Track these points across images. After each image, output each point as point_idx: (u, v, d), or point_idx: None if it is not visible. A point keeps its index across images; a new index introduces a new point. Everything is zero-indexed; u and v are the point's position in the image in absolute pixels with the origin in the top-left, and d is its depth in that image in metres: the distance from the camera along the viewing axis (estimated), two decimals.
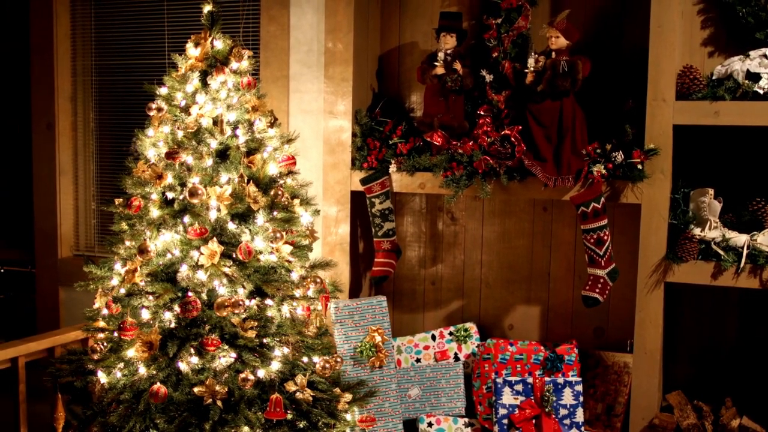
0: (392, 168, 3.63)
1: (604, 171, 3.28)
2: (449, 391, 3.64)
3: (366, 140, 3.73)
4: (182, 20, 4.40)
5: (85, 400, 3.20)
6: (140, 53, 4.54)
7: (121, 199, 3.17)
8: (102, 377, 3.04)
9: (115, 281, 3.12)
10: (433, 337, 3.80)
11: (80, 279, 4.53)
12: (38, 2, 4.54)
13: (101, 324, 3.15)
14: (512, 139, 3.43)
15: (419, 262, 4.08)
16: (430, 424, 3.57)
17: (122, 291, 3.06)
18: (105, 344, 3.10)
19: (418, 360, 3.77)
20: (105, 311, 3.12)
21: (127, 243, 3.15)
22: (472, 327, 3.81)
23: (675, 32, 3.18)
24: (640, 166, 3.22)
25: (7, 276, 6.25)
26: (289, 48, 3.91)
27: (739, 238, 3.20)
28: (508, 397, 3.43)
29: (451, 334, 3.80)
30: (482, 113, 3.58)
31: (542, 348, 3.57)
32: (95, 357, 3.07)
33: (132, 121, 4.60)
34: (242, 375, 2.90)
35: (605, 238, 3.32)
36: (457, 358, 3.77)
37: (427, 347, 3.79)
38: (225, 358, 2.92)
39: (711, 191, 3.30)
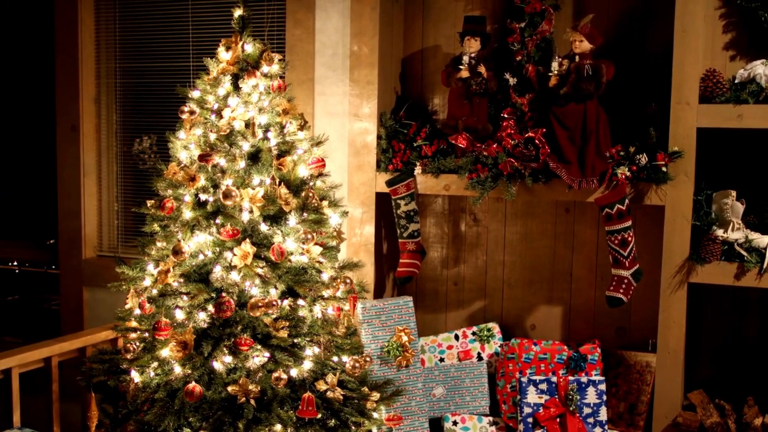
0: (417, 170, 3.68)
1: (628, 173, 3.33)
2: (473, 390, 3.69)
3: (391, 142, 3.78)
4: (207, 23, 4.45)
5: (115, 399, 3.25)
6: (164, 56, 4.59)
7: (153, 201, 3.20)
8: (135, 376, 3.09)
9: (147, 282, 3.16)
10: (456, 337, 3.85)
11: (104, 279, 4.60)
12: (63, 6, 4.59)
13: (133, 324, 3.20)
14: (536, 141, 3.47)
15: (442, 263, 4.13)
16: (455, 423, 3.62)
17: (154, 291, 3.11)
18: (138, 344, 3.15)
19: (441, 359, 3.82)
20: (137, 311, 3.16)
21: (159, 244, 3.20)
22: (494, 327, 3.86)
23: (699, 37, 3.23)
24: (664, 169, 3.27)
25: (22, 276, 6.30)
26: (314, 51, 3.96)
27: (762, 239, 3.25)
28: (532, 396, 3.48)
29: (474, 333, 3.85)
30: (506, 116, 3.62)
31: (566, 347, 3.61)
32: (128, 356, 3.12)
33: (155, 123, 4.66)
34: (275, 374, 2.95)
35: (629, 239, 3.36)
36: (480, 358, 3.81)
37: (450, 347, 3.84)
38: (258, 357, 2.96)
39: (733, 193, 3.35)
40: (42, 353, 3.28)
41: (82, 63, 4.61)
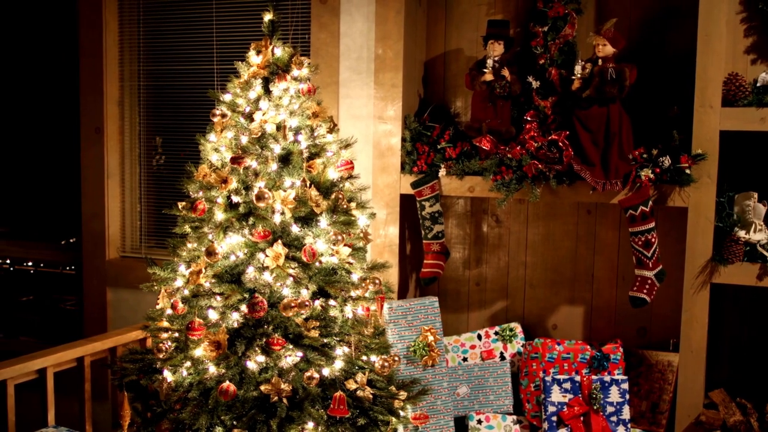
0: (442, 172, 3.73)
1: (651, 175, 3.38)
2: (497, 389, 3.73)
3: (415, 145, 3.82)
4: (231, 26, 4.50)
5: (146, 398, 3.29)
6: (187, 59, 4.64)
7: (184, 202, 3.24)
8: (168, 376, 3.13)
9: (179, 282, 3.20)
10: (479, 337, 3.90)
11: (127, 280, 4.67)
12: (87, 10, 4.64)
13: (165, 324, 3.24)
14: (560, 144, 3.52)
15: (464, 264, 4.18)
16: (479, 422, 3.67)
17: (186, 292, 3.15)
18: (169, 344, 3.20)
19: (464, 359, 3.87)
20: (169, 311, 3.21)
21: (190, 245, 3.24)
22: (516, 327, 3.90)
23: (722, 41, 3.28)
24: (688, 171, 3.32)
25: (38, 276, 6.34)
26: (339, 55, 4.01)
27: None
28: (556, 395, 3.53)
29: (496, 333, 3.90)
30: (529, 118, 3.67)
31: (588, 347, 3.66)
32: (161, 356, 3.16)
33: (177, 125, 4.71)
34: (308, 373, 2.99)
35: (653, 240, 3.41)
36: (503, 357, 3.86)
37: (473, 346, 3.89)
38: (291, 357, 3.01)
39: (755, 195, 3.40)
40: (76, 353, 3.33)
41: (106, 66, 4.66)
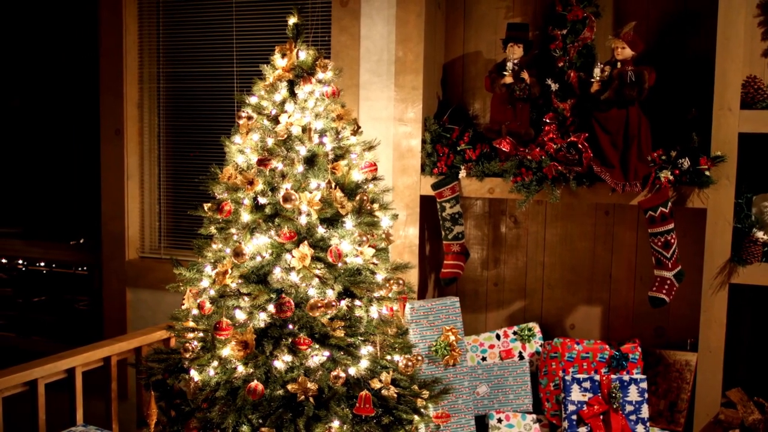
0: (462, 173, 3.77)
1: (671, 177, 3.42)
2: (516, 389, 3.77)
3: (435, 146, 3.86)
4: (250, 28, 4.54)
5: (170, 397, 3.33)
6: (207, 61, 4.68)
7: (210, 204, 3.27)
8: (195, 375, 3.17)
9: (205, 283, 3.24)
10: (498, 337, 3.94)
11: (146, 280, 4.71)
12: (108, 12, 4.67)
13: (191, 324, 3.28)
14: (579, 145, 3.56)
15: (482, 264, 4.22)
16: (499, 420, 3.71)
17: (212, 292, 3.19)
18: (195, 343, 3.23)
19: (483, 358, 3.91)
20: (194, 311, 3.24)
21: (215, 246, 3.27)
22: (535, 326, 3.95)
23: (740, 45, 3.32)
24: (707, 173, 3.36)
25: (51, 277, 6.37)
26: (360, 57, 4.04)
27: None
28: (576, 394, 3.57)
29: (515, 333, 3.94)
30: (548, 120, 3.71)
31: (607, 347, 3.70)
32: (187, 356, 3.20)
33: (196, 127, 4.75)
34: (334, 373, 3.03)
35: (672, 241, 3.45)
36: (521, 357, 3.90)
37: (492, 346, 3.93)
38: (318, 356, 3.05)
39: None
40: (103, 353, 3.37)
41: (126, 68, 4.69)
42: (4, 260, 6.49)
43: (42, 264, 6.49)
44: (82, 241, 5.92)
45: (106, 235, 4.82)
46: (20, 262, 6.52)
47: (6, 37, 5.69)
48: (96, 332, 5.44)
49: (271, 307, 3.06)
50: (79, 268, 6.21)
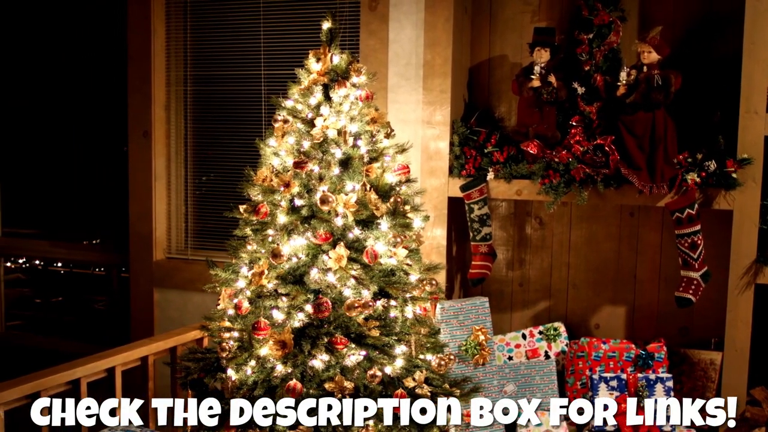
0: (490, 175, 3.82)
1: (698, 179, 3.48)
2: (543, 387, 3.83)
3: (463, 149, 3.92)
4: (278, 32, 4.60)
5: (206, 395, 3.38)
6: (233, 64, 4.74)
7: (245, 206, 3.32)
8: (232, 374, 3.22)
9: (241, 283, 3.29)
10: (524, 336, 4.00)
11: (173, 281, 4.77)
12: (136, 17, 4.74)
13: (226, 324, 3.33)
14: (606, 148, 3.62)
15: (507, 265, 4.28)
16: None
17: (248, 293, 3.25)
18: (232, 343, 3.29)
19: (510, 358, 3.97)
20: (230, 311, 3.30)
21: (250, 247, 3.33)
22: (560, 326, 4.00)
23: (767, 49, 3.37)
24: (734, 175, 3.42)
25: (69, 277, 6.43)
26: (388, 61, 4.11)
27: None
28: (603, 393, 3.63)
29: (540, 333, 4.00)
30: (574, 123, 3.77)
31: (633, 346, 3.76)
32: (224, 355, 3.26)
33: (222, 129, 4.81)
34: (371, 371, 3.09)
35: (699, 242, 3.51)
36: (547, 356, 3.96)
37: (518, 345, 3.99)
38: (355, 355, 3.10)
39: None
40: (141, 352, 3.43)
41: (154, 71, 4.76)
42: (21, 260, 6.56)
43: (59, 264, 6.56)
44: (96, 241, 6.00)
45: (133, 236, 4.88)
46: (37, 262, 6.59)
47: (37, 41, 5.75)
48: (116, 332, 5.51)
49: (308, 308, 3.12)
50: (96, 269, 6.28)
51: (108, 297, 6.11)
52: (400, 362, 3.17)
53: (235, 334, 3.31)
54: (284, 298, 3.15)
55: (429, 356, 3.33)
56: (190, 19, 4.80)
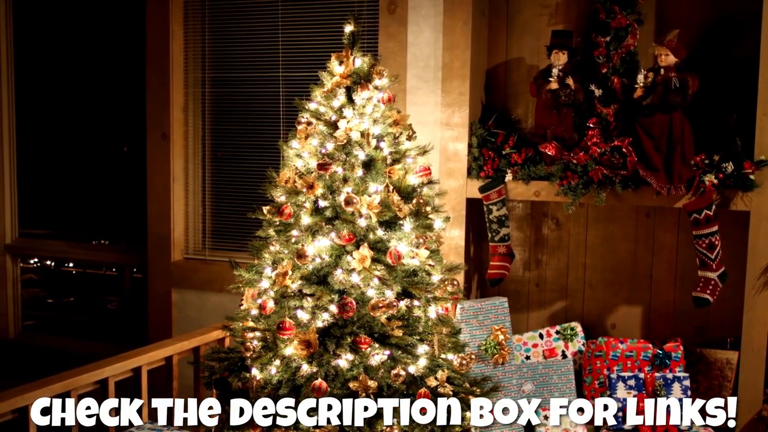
0: (508, 177, 3.87)
1: (715, 180, 3.52)
2: (561, 386, 3.87)
3: (481, 150, 3.96)
4: (296, 34, 4.64)
5: (230, 395, 3.42)
6: (251, 66, 4.78)
7: (269, 207, 3.36)
8: (257, 374, 3.26)
9: (265, 284, 3.33)
10: (541, 336, 4.04)
11: (191, 281, 4.81)
12: (154, 19, 4.78)
13: (250, 324, 3.37)
14: (623, 150, 3.66)
15: (524, 265, 4.31)
16: (546, 417, 3.80)
17: (271, 293, 3.28)
18: (256, 342, 3.33)
19: (527, 357, 4.00)
20: (254, 312, 3.34)
21: (272, 248, 3.36)
22: (577, 326, 4.04)
23: None
24: (752, 176, 3.46)
25: (80, 278, 6.46)
26: (407, 63, 4.14)
27: None
28: (621, 392, 3.67)
29: (557, 332, 4.04)
30: (591, 125, 3.81)
31: (650, 346, 3.80)
32: (248, 354, 3.29)
33: (240, 131, 4.85)
34: (395, 371, 3.12)
35: (716, 242, 3.55)
36: (564, 356, 4.00)
37: (535, 345, 4.02)
38: (379, 355, 3.14)
39: None
40: (166, 352, 3.47)
41: (172, 73, 4.80)
42: (32, 260, 6.60)
43: (71, 264, 6.60)
44: (105, 242, 6.04)
45: (151, 237, 4.92)
46: (48, 262, 6.63)
47: (54, 42, 5.80)
48: (129, 332, 5.56)
49: (333, 308, 3.16)
50: (107, 269, 6.32)
51: (120, 297, 6.14)
52: (423, 362, 3.21)
53: (259, 334, 3.35)
54: (309, 299, 3.18)
55: (450, 356, 3.36)
56: (209, 22, 4.84)
